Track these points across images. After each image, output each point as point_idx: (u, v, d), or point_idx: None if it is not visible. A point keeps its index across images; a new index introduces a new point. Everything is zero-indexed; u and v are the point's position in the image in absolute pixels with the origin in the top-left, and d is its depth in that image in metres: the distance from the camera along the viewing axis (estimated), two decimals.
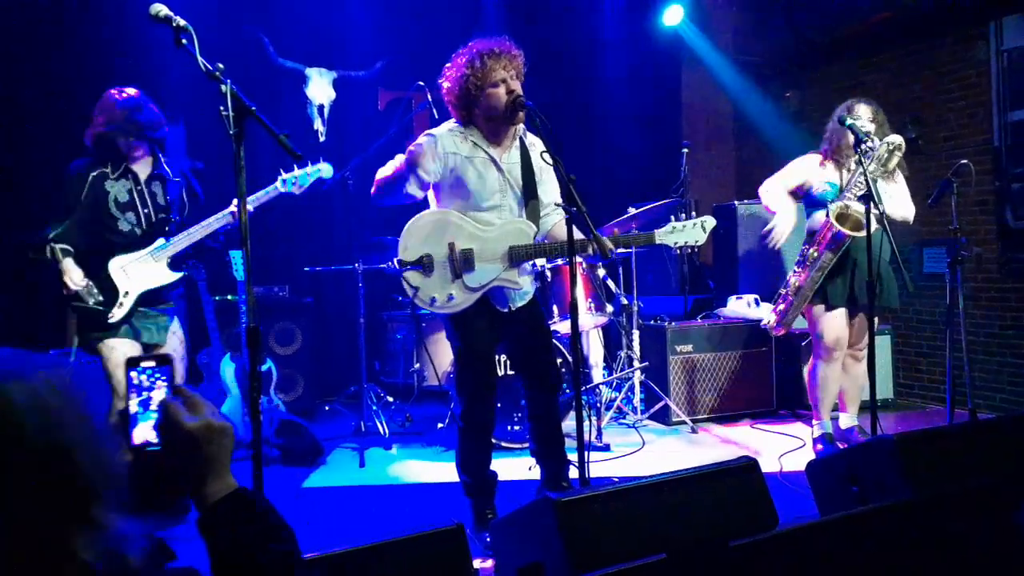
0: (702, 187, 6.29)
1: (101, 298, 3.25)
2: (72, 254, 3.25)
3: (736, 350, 4.88)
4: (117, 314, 3.26)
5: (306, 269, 5.46)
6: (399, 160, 2.88)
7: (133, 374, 1.03)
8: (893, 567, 1.86)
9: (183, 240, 3.35)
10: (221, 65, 2.06)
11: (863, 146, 3.47)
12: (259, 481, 1.91)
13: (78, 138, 3.31)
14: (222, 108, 2.00)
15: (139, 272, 3.30)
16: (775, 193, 3.99)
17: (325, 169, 3.36)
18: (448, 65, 2.89)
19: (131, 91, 3.28)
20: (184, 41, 2.09)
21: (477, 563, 2.51)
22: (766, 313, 4.19)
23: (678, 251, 3.01)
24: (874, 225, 3.34)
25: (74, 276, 3.21)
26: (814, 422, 4.05)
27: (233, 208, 3.29)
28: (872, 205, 3.28)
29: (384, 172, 2.91)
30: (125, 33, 4.59)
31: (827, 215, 3.75)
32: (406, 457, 4.33)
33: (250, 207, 3.18)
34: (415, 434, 4.81)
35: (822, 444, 3.94)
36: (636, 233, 2.81)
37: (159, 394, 1.03)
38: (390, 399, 5.24)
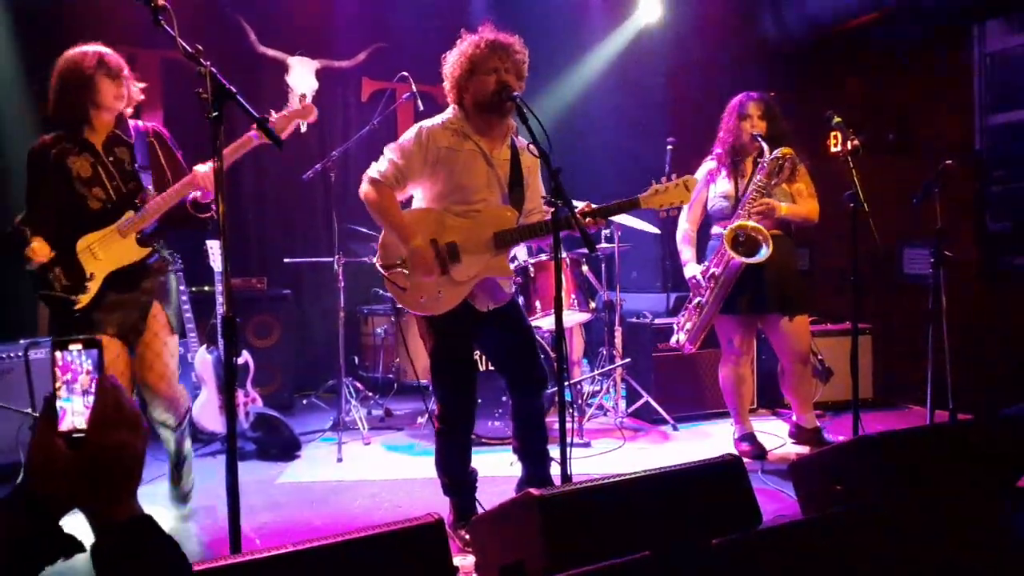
0: None
1: (68, 283, 2.94)
2: (42, 236, 2.95)
3: (718, 348, 4.86)
4: (83, 299, 2.93)
5: (285, 261, 5.40)
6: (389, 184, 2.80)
7: (58, 355, 0.95)
8: (875, 566, 1.85)
9: (152, 211, 2.96)
10: (200, 47, 2.01)
11: (772, 157, 3.53)
12: (234, 475, 1.86)
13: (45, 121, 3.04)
14: (200, 90, 1.94)
15: (106, 251, 2.96)
16: (680, 244, 3.98)
17: (308, 110, 2.89)
18: (455, 46, 2.86)
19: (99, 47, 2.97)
20: (162, 21, 2.03)
21: (457, 560, 2.48)
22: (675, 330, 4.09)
23: (663, 215, 2.94)
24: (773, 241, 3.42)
25: (37, 249, 2.91)
26: (734, 425, 4.07)
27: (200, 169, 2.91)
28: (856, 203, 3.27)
29: (381, 203, 2.80)
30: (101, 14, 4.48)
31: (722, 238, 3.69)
32: (385, 452, 4.28)
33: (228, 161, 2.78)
34: (394, 429, 4.76)
35: (747, 444, 3.95)
36: (620, 200, 2.75)
37: (85, 378, 0.95)
38: (369, 394, 5.19)
